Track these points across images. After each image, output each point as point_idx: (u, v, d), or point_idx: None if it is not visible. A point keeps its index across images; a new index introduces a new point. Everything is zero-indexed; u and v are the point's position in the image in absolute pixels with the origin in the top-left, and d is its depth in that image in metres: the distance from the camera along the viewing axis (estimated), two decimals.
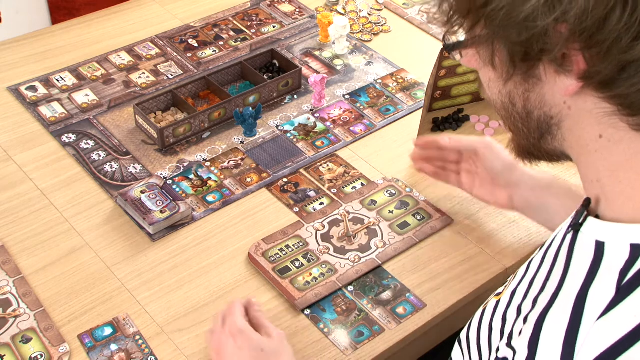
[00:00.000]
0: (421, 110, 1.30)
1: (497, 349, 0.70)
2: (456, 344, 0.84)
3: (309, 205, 1.17)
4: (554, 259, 0.69)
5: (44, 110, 1.32)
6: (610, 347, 0.57)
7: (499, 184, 1.08)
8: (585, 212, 0.66)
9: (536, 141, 0.68)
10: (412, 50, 1.49)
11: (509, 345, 0.66)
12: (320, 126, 1.31)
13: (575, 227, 0.66)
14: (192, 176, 1.21)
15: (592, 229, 0.64)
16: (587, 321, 0.59)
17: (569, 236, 0.67)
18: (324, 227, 1.13)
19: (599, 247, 0.62)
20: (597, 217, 0.65)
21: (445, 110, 1.35)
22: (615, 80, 0.57)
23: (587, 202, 0.67)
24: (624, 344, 0.56)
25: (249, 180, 1.21)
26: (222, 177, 1.21)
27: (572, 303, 0.61)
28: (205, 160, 1.24)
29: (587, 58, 0.57)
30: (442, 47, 1.21)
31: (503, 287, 0.79)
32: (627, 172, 0.62)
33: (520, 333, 0.66)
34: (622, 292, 0.58)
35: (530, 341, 0.63)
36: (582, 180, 0.68)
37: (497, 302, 0.76)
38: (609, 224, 0.63)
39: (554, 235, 0.74)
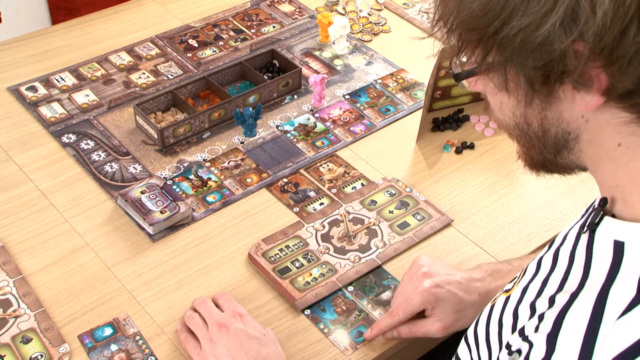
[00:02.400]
0: (421, 110, 1.30)
1: (508, 343, 0.70)
2: (462, 341, 0.84)
3: (309, 205, 1.17)
4: (570, 258, 0.68)
5: (44, 110, 1.32)
6: (630, 347, 0.57)
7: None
8: (602, 212, 0.66)
9: (552, 156, 0.67)
10: (412, 50, 1.49)
11: (524, 339, 0.66)
12: (320, 126, 1.31)
13: (592, 226, 0.66)
14: (192, 176, 1.21)
15: (609, 229, 0.64)
16: (608, 320, 0.59)
17: (585, 236, 0.67)
18: (324, 227, 1.13)
19: (618, 247, 0.62)
20: (612, 216, 0.65)
21: (445, 110, 1.35)
22: (636, 90, 0.57)
23: (603, 201, 0.66)
24: None
25: (249, 180, 1.21)
26: (222, 177, 1.21)
27: (593, 302, 0.61)
28: (205, 160, 1.24)
29: (609, 74, 0.57)
30: (441, 49, 1.20)
31: (512, 284, 0.79)
32: None
33: (536, 329, 0.66)
34: None
35: (549, 337, 0.63)
36: (598, 184, 0.68)
37: (507, 299, 0.76)
38: (627, 223, 0.63)
39: (564, 234, 0.74)
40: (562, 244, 0.72)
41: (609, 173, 0.65)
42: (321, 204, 1.17)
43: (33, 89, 1.37)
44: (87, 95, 1.36)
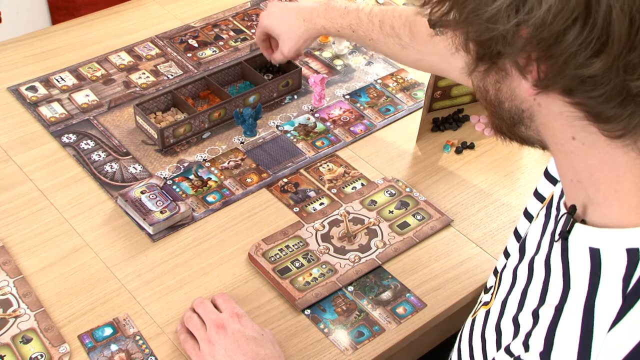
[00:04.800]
0: (421, 110, 1.30)
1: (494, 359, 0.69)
2: (451, 355, 0.84)
3: (309, 205, 1.17)
4: (546, 269, 0.67)
5: (44, 110, 1.32)
6: (625, 357, 0.57)
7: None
8: (572, 219, 0.64)
9: (508, 128, 0.66)
10: None
11: (516, 359, 0.65)
12: (320, 126, 1.31)
13: (563, 234, 0.65)
14: (192, 176, 1.21)
15: (582, 236, 0.63)
16: (599, 333, 0.59)
17: (558, 245, 0.66)
18: (324, 227, 1.13)
19: (594, 255, 0.61)
20: (582, 222, 0.64)
21: (445, 110, 1.35)
22: (574, 90, 0.56)
23: (572, 209, 0.65)
24: (638, 351, 0.56)
25: (249, 180, 1.21)
26: (222, 177, 1.21)
27: (581, 315, 0.61)
28: (205, 160, 1.24)
29: (541, 68, 0.56)
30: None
31: (490, 296, 0.79)
32: (606, 175, 0.60)
33: (527, 348, 0.64)
34: (629, 299, 0.58)
35: (542, 356, 0.62)
36: (561, 180, 0.66)
37: (487, 312, 0.75)
38: (600, 230, 0.62)
39: (537, 241, 0.73)
40: (536, 253, 0.71)
41: (567, 165, 0.63)
42: (321, 204, 1.17)
43: (33, 89, 1.37)
44: (87, 95, 1.36)
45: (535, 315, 0.66)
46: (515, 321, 0.69)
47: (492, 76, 0.63)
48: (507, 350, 0.67)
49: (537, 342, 0.63)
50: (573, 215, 0.64)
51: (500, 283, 0.76)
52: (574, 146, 0.61)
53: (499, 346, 0.70)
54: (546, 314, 0.64)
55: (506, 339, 0.69)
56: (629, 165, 0.59)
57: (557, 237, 0.66)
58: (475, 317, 0.78)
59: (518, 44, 0.55)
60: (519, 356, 0.65)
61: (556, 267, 0.66)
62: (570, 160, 0.62)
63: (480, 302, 0.82)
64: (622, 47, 0.52)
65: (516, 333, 0.68)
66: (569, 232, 0.64)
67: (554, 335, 0.62)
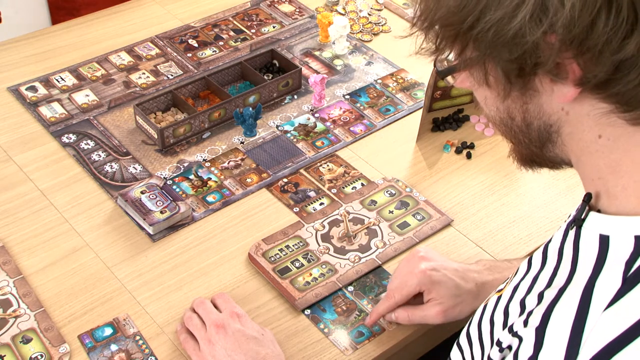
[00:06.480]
0: (421, 110, 1.30)
1: (498, 340, 0.70)
2: (455, 345, 0.84)
3: (309, 205, 1.17)
4: (559, 255, 0.69)
5: (44, 110, 1.32)
6: (617, 337, 0.57)
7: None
8: (587, 207, 0.67)
9: (538, 150, 0.69)
10: (412, 50, 1.49)
11: (514, 335, 0.67)
12: (320, 126, 1.31)
13: (578, 222, 0.67)
14: (192, 176, 1.21)
15: (594, 224, 0.65)
16: (594, 312, 0.60)
17: (572, 232, 0.68)
18: (324, 227, 1.13)
19: (604, 241, 0.63)
20: (598, 211, 0.66)
21: (445, 110, 1.35)
22: (611, 80, 0.58)
23: (588, 197, 0.67)
24: (631, 334, 0.57)
25: (249, 180, 1.21)
26: (222, 177, 1.21)
27: (580, 295, 0.62)
28: (205, 160, 1.24)
29: (581, 64, 0.58)
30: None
31: (504, 284, 0.80)
32: (627, 166, 0.63)
33: (525, 324, 0.66)
34: (629, 282, 0.59)
35: (538, 331, 0.64)
36: (582, 179, 0.69)
37: (499, 298, 0.77)
38: (612, 217, 0.64)
39: (555, 232, 0.74)
40: (550, 240, 0.73)
41: (591, 166, 0.66)
42: (321, 204, 1.17)
43: (33, 89, 1.37)
44: (87, 95, 1.36)
45: (540, 296, 0.68)
46: (522, 303, 0.70)
47: (517, 101, 0.65)
48: (510, 328, 0.69)
49: (536, 318, 0.65)
50: (588, 203, 0.67)
51: (517, 272, 0.78)
52: (599, 144, 0.63)
53: (504, 326, 0.72)
54: (550, 294, 0.66)
55: (512, 319, 0.71)
56: None
57: (572, 224, 0.68)
58: (486, 304, 0.79)
59: (552, 48, 0.57)
60: (516, 332, 0.66)
61: (567, 254, 0.67)
62: (594, 160, 0.65)
63: (496, 289, 0.83)
64: None
65: (521, 313, 0.69)
66: (583, 220, 0.66)
67: (551, 312, 0.64)
